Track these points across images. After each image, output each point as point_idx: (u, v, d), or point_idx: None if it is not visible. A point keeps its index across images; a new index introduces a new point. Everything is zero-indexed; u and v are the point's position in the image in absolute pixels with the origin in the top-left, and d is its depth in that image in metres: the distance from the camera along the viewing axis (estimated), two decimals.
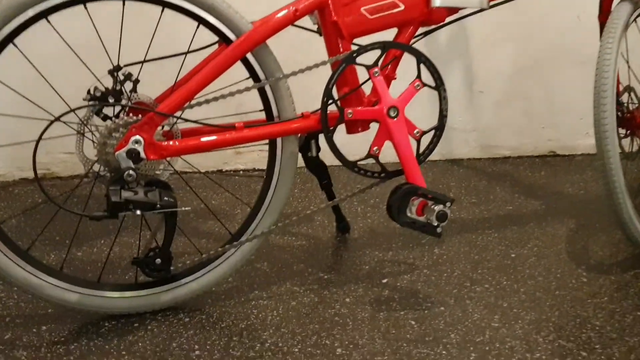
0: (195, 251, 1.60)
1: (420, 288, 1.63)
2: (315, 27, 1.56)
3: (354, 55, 1.45)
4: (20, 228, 1.86)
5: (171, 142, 1.34)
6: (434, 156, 2.59)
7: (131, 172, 1.27)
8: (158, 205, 1.28)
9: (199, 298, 1.52)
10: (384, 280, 1.67)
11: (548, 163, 2.58)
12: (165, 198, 1.30)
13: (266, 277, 1.66)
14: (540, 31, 2.49)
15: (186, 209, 1.36)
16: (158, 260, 1.38)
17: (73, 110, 1.28)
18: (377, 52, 1.49)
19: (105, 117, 1.44)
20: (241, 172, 2.41)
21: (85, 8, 1.32)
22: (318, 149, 1.59)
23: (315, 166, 1.66)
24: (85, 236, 1.82)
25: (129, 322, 1.44)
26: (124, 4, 1.34)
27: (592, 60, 1.62)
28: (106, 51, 1.40)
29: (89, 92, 1.43)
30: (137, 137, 1.29)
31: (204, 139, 1.37)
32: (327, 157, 1.59)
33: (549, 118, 2.61)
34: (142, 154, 1.30)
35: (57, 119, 1.27)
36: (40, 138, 1.27)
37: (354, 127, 1.54)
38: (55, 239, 1.80)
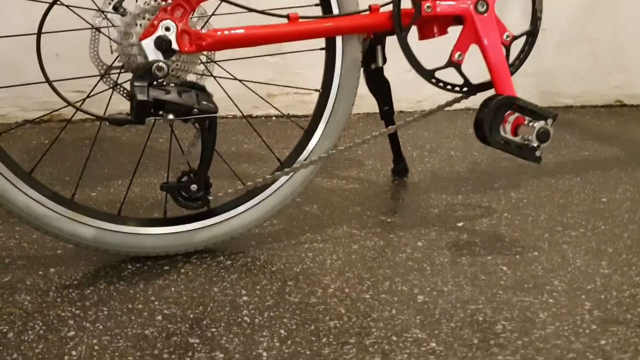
0: (234, 182, 1.32)
1: (504, 232, 1.35)
2: None
3: None
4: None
5: (211, 32, 1.05)
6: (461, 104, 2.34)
7: (161, 63, 0.99)
8: (195, 110, 1.00)
9: (239, 240, 1.24)
10: (459, 224, 1.38)
11: (615, 113, 2.29)
12: (204, 102, 1.02)
13: (318, 220, 1.38)
14: None
15: (230, 115, 1.08)
16: (194, 187, 1.11)
17: None
18: None
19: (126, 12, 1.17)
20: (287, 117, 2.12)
21: None
22: (384, 59, 1.31)
23: (378, 85, 1.37)
24: (99, 175, 1.54)
25: (157, 264, 1.16)
26: None
27: None
28: None
29: None
30: (168, 21, 1.01)
31: (251, 30, 1.08)
32: None
33: (616, 62, 2.32)
34: (174, 44, 1.02)
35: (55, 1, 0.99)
36: (41, 24, 0.99)
37: (428, 29, 1.25)
38: (65, 179, 1.53)
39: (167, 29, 1.01)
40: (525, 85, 2.28)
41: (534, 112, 1.18)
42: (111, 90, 1.11)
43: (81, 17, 1.09)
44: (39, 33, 0.99)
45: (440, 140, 1.91)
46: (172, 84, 1.03)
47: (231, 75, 1.20)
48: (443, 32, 1.27)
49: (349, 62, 1.22)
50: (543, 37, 2.27)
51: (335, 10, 1.19)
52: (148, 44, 1.00)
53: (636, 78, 2.33)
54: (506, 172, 1.68)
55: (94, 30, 1.10)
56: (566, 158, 1.82)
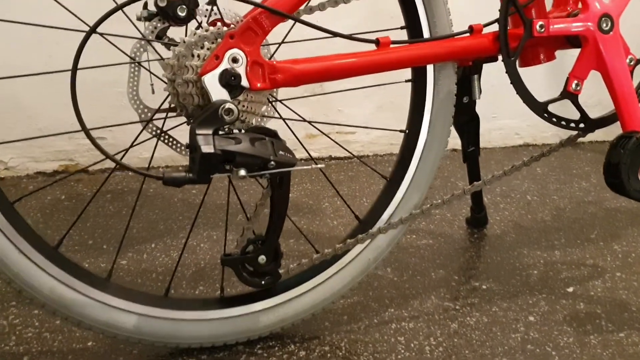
0: (304, 250, 1.08)
1: (626, 298, 1.11)
2: None
3: None
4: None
5: (289, 63, 0.82)
6: (544, 138, 2.12)
7: (229, 105, 0.76)
8: (272, 162, 0.77)
9: (310, 321, 1.00)
10: (570, 289, 1.14)
11: None
12: (281, 152, 0.79)
13: (397, 289, 1.13)
14: None
15: (320, 166, 0.84)
16: (262, 258, 0.86)
17: (120, 8, 0.77)
18: None
19: (172, 44, 0.95)
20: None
21: None
22: (480, 90, 1.08)
23: (467, 121, 1.14)
24: (128, 237, 1.30)
25: (214, 358, 0.91)
26: None
27: None
28: None
29: (145, 5, 0.94)
30: (236, 51, 0.78)
31: (335, 60, 0.85)
32: None
33: None
34: (244, 80, 0.79)
35: (94, 28, 0.76)
36: (77, 57, 0.76)
37: (534, 54, 1.03)
38: (88, 242, 1.28)
39: (235, 60, 0.78)
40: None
41: None
42: (155, 139, 0.88)
43: (118, 49, 0.87)
44: (74, 69, 0.76)
45: (509, 182, 1.68)
46: (241, 130, 0.80)
47: (300, 116, 0.97)
48: (551, 57, 1.05)
49: (442, 95, 0.99)
50: None
51: (426, 32, 0.97)
52: (211, 81, 0.77)
53: None
54: (598, 219, 1.45)
55: (133, 64, 0.88)
56: None
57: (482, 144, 1.24)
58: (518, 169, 1.04)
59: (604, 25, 0.97)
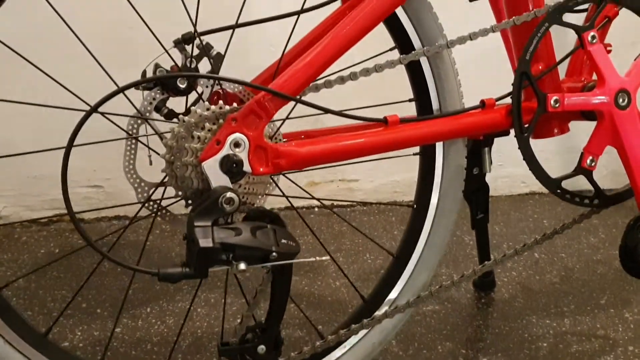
0: (305, 333, 1.04)
1: None
2: None
3: (561, 9, 0.92)
4: (30, 294, 1.29)
5: (293, 146, 0.78)
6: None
7: (230, 194, 0.72)
8: (274, 254, 0.73)
9: None
10: None
11: None
12: (284, 240, 0.75)
13: None
14: None
15: (324, 258, 0.80)
16: (261, 348, 0.82)
17: (122, 91, 0.74)
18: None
19: (171, 115, 0.91)
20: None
21: None
22: (491, 161, 1.05)
23: (476, 189, 1.11)
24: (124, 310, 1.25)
25: None
26: None
27: None
28: (185, 7, 0.87)
29: (144, 74, 0.90)
30: (239, 135, 0.75)
31: (342, 142, 0.82)
32: None
33: None
34: (246, 165, 0.75)
35: (96, 108, 0.72)
36: (73, 137, 0.73)
37: (547, 127, 1.00)
38: (82, 305, 1.23)
39: (237, 145, 0.75)
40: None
41: None
42: (152, 221, 0.84)
43: (116, 125, 0.83)
44: (69, 147, 0.72)
45: (516, 236, 1.63)
46: (242, 213, 0.76)
47: (309, 194, 0.94)
48: (564, 130, 1.02)
49: (451, 170, 0.95)
50: None
51: (435, 105, 0.93)
52: (212, 167, 0.74)
53: None
54: (607, 282, 1.40)
55: (129, 139, 0.84)
56: None
57: None
58: (530, 248, 1.00)
59: (621, 100, 0.93)
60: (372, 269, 1.43)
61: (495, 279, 1.37)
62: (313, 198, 0.96)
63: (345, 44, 0.83)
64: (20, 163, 1.56)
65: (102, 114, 0.79)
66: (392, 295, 0.95)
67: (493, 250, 1.55)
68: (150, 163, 0.90)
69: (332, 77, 0.84)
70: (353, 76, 0.84)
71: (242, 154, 0.75)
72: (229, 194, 0.72)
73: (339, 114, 0.81)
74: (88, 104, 0.77)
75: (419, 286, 0.95)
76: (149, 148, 0.87)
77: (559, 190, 0.96)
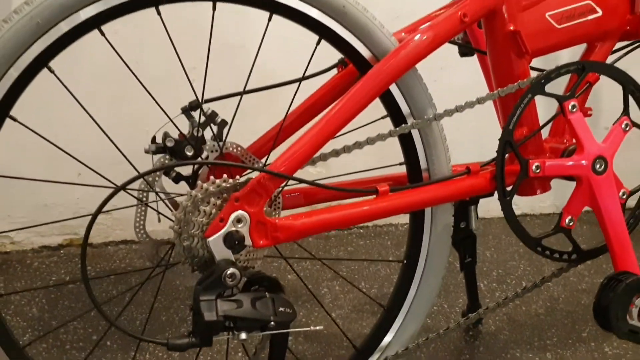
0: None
1: None
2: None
3: (544, 81, 0.98)
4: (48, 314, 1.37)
5: (289, 220, 0.85)
6: (542, 208, 2.15)
7: (232, 270, 0.79)
8: (272, 323, 0.80)
9: None
10: None
11: None
12: (281, 309, 0.82)
13: None
14: None
15: (318, 328, 0.87)
16: None
17: (142, 176, 0.81)
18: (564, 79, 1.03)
19: (179, 178, 0.98)
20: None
21: (158, 12, 0.85)
22: (477, 216, 1.12)
23: (462, 239, 1.17)
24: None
25: None
26: (214, 6, 0.87)
27: None
28: (188, 78, 0.93)
29: (153, 140, 0.97)
30: (241, 212, 0.82)
31: (334, 213, 0.88)
32: None
33: None
34: (247, 239, 0.82)
35: (120, 189, 0.80)
36: (97, 213, 0.80)
37: (530, 187, 1.07)
38: (92, 337, 1.31)
39: (239, 220, 0.82)
40: None
41: None
42: (161, 278, 0.91)
43: (132, 195, 0.90)
44: (92, 221, 0.79)
45: (506, 263, 1.71)
46: (244, 279, 0.83)
47: (310, 253, 1.01)
48: (546, 188, 1.08)
49: (439, 228, 1.02)
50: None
51: (423, 165, 1.00)
52: (216, 243, 0.81)
53: None
54: (590, 313, 1.45)
55: (139, 207, 0.91)
56: None
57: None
58: (519, 296, 1.07)
59: (598, 166, 1.00)
60: (367, 299, 1.50)
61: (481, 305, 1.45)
62: (308, 258, 1.02)
63: (341, 124, 0.90)
64: (32, 191, 1.63)
65: (126, 190, 0.85)
66: (383, 343, 1.02)
67: (483, 277, 1.63)
68: (159, 221, 0.98)
69: (328, 151, 0.91)
70: (347, 149, 0.91)
71: (244, 229, 0.82)
72: (230, 271, 0.79)
73: (331, 188, 0.88)
74: (114, 184, 0.85)
75: (408, 337, 1.03)
76: (158, 212, 0.94)
77: (539, 248, 1.03)
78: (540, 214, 2.08)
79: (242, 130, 1.02)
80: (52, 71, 0.83)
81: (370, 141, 0.92)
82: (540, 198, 2.10)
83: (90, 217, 0.81)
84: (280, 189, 0.86)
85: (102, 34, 0.84)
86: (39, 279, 1.52)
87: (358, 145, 0.91)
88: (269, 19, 0.90)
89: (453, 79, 1.68)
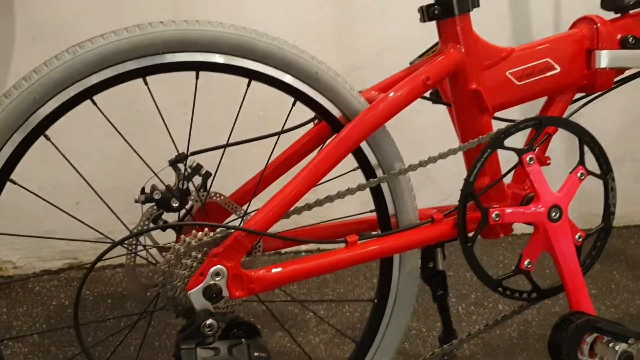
0: None
1: None
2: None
3: (503, 136, 1.06)
4: (48, 339, 1.46)
5: (263, 272, 0.94)
6: (522, 227, 2.23)
7: (210, 321, 0.88)
8: None
9: None
10: None
11: None
12: (256, 354, 0.90)
13: None
14: None
15: None
16: None
17: (135, 236, 0.90)
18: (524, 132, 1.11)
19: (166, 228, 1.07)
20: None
21: (145, 83, 0.94)
22: (444, 256, 1.20)
23: (432, 275, 1.25)
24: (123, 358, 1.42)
25: None
26: (197, 76, 0.96)
27: None
28: (170, 137, 1.02)
29: (142, 191, 1.06)
30: (219, 267, 0.90)
31: (305, 263, 0.97)
32: None
33: None
34: (225, 291, 0.91)
35: (119, 243, 0.89)
36: (91, 269, 0.89)
37: (493, 232, 1.15)
38: None
39: (217, 274, 0.90)
40: None
41: (614, 333, 1.06)
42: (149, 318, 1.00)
43: (124, 247, 0.99)
44: (85, 277, 0.88)
45: (484, 285, 1.78)
46: (222, 324, 0.92)
47: (291, 297, 1.09)
48: (508, 232, 1.16)
49: (407, 270, 1.10)
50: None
51: (392, 212, 1.08)
52: (196, 295, 0.89)
53: None
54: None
55: (129, 257, 1.00)
56: (620, 310, 1.69)
57: None
58: (482, 331, 1.15)
59: (553, 214, 1.08)
60: (350, 322, 1.58)
61: (458, 329, 1.53)
62: (285, 301, 1.10)
63: (315, 180, 0.98)
64: (33, 218, 1.72)
65: (123, 245, 0.94)
66: None
67: (462, 300, 1.72)
68: (148, 264, 1.06)
69: (301, 205, 0.99)
70: (319, 203, 0.99)
71: (222, 282, 0.91)
72: (209, 321, 0.87)
73: (302, 242, 0.96)
74: (111, 239, 0.93)
75: None
76: (148, 260, 1.03)
77: (500, 289, 1.11)
78: (522, 233, 2.15)
79: (228, 179, 1.11)
80: (48, 139, 0.91)
81: (340, 195, 1.00)
82: None
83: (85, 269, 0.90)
84: (256, 242, 0.95)
85: (94, 103, 0.92)
86: (39, 304, 1.61)
87: (329, 199, 1.00)
88: (248, 84, 0.98)
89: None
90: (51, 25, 1.66)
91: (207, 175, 1.07)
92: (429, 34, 1.13)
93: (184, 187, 1.04)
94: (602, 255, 2.08)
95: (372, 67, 1.77)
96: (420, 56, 1.16)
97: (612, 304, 1.71)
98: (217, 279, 0.90)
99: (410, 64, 1.18)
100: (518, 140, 1.09)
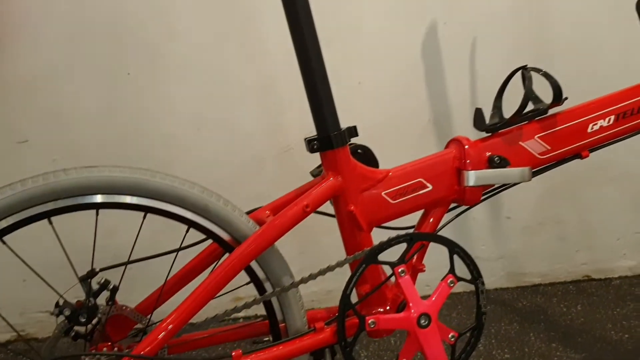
0: None
1: None
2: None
3: (376, 252, 1.21)
4: None
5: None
6: (457, 288, 2.37)
7: None
8: None
9: None
10: None
11: (583, 291, 2.32)
12: None
13: None
14: None
15: None
16: None
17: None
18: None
19: (78, 337, 1.20)
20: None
21: (50, 223, 1.08)
22: (333, 354, 1.33)
23: None
24: None
25: None
26: (97, 213, 1.10)
27: (625, 176, 1.37)
28: (69, 264, 1.15)
29: (57, 304, 1.19)
30: None
31: None
32: None
33: (583, 240, 2.36)
34: None
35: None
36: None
37: (375, 333, 1.28)
38: None
39: None
40: (492, 269, 2.34)
41: None
42: None
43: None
44: None
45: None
46: None
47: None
48: (390, 332, 1.30)
49: None
50: (508, 224, 2.35)
51: (280, 317, 1.22)
52: None
53: (602, 254, 2.37)
54: None
55: None
56: None
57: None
58: None
59: (423, 321, 1.22)
60: None
61: None
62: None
63: (207, 299, 1.12)
64: None
65: None
66: None
67: None
68: None
69: (201, 322, 1.13)
70: (219, 317, 1.13)
71: None
72: None
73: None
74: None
75: None
76: None
77: None
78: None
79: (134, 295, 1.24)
80: (4, 242, 1.05)
81: (237, 309, 1.14)
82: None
83: None
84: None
85: (4, 242, 1.06)
86: None
87: (229, 313, 1.14)
88: (144, 217, 1.12)
89: None
90: None
91: (115, 289, 1.20)
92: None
93: (92, 304, 1.17)
94: (522, 315, 2.24)
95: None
96: (319, 166, 1.30)
97: None
98: None
99: (311, 173, 1.32)
100: None
